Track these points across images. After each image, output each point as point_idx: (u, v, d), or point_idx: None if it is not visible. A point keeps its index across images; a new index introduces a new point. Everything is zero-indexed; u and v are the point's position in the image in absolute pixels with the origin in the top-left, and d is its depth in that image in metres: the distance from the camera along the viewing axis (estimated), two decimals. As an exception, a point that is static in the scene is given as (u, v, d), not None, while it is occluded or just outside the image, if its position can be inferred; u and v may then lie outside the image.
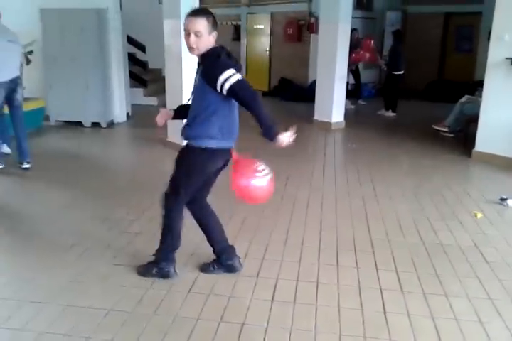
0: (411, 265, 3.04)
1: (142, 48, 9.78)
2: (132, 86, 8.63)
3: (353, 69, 9.41)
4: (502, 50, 5.28)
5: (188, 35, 2.52)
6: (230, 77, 2.42)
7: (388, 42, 9.81)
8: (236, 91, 2.43)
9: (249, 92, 2.46)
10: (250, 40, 12.02)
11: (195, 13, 2.53)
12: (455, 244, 3.35)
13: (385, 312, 2.53)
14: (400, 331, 2.38)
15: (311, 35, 10.33)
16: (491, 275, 2.94)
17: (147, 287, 2.72)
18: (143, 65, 9.83)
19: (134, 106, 8.35)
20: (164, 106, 6.13)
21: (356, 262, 3.08)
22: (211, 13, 2.56)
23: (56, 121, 7.28)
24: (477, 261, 3.12)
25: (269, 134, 2.52)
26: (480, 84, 6.17)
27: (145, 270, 2.85)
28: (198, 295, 2.66)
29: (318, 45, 7.74)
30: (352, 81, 9.47)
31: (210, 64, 2.51)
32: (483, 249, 3.29)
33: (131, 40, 8.94)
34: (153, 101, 9.34)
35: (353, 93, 9.41)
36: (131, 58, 8.89)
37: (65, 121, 7.30)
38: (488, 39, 5.54)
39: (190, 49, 2.56)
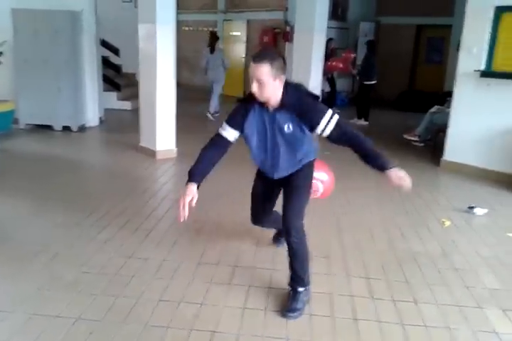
0: (381, 272, 3.08)
1: (116, 52, 9.70)
2: (105, 90, 8.54)
3: (328, 78, 9.54)
4: (470, 63, 5.42)
5: (252, 81, 2.35)
6: (329, 121, 2.42)
7: (361, 52, 9.99)
8: (340, 136, 2.47)
9: (350, 132, 2.49)
10: (226, 47, 12.03)
11: (257, 59, 2.31)
12: (424, 252, 3.41)
13: (355, 319, 2.55)
14: (370, 338, 2.40)
15: (286, 43, 10.44)
16: (459, 282, 2.99)
17: (117, 295, 2.67)
18: (116, 68, 9.74)
19: (107, 110, 8.26)
20: (138, 110, 6.08)
21: (328, 269, 3.10)
22: (277, 57, 2.34)
23: (26, 124, 7.13)
24: (446, 268, 3.17)
25: (388, 164, 2.59)
26: (449, 94, 6.32)
27: (300, 305, 2.57)
28: (168, 303, 2.62)
29: (293, 53, 7.83)
30: (327, 89, 9.60)
31: (304, 110, 2.41)
32: (452, 256, 3.36)
33: (104, 43, 8.86)
34: (126, 105, 9.27)
35: (327, 101, 9.52)
36: (105, 61, 8.78)
37: (35, 125, 7.15)
38: (458, 51, 5.69)
39: (255, 95, 2.41)
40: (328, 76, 9.51)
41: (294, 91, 2.42)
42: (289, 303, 2.58)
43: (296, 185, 2.63)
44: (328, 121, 2.40)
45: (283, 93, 2.39)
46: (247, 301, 2.68)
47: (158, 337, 2.32)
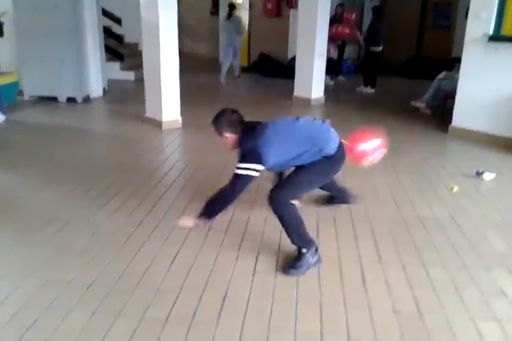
0: (389, 237, 3.10)
1: (118, 21, 9.52)
2: (108, 60, 8.44)
3: (338, 45, 9.37)
4: (479, 27, 5.30)
5: None
6: (241, 168, 2.65)
7: (367, 18, 9.76)
8: (231, 180, 2.68)
9: (225, 186, 2.71)
10: (229, 15, 11.80)
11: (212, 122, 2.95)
12: (432, 216, 3.42)
13: (364, 282, 2.58)
14: (379, 300, 2.44)
15: (291, 10, 10.21)
16: (467, 246, 3.01)
17: (128, 261, 2.72)
18: (119, 38, 9.58)
19: (110, 80, 8.20)
20: (141, 80, 6.03)
21: (336, 234, 3.12)
22: (219, 120, 2.96)
23: (30, 96, 7.10)
24: (454, 233, 3.19)
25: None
26: (457, 60, 6.21)
27: (302, 264, 2.67)
28: (179, 269, 2.66)
29: (298, 20, 7.64)
30: (336, 56, 9.43)
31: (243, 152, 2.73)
32: (460, 220, 3.37)
33: (106, 13, 8.69)
34: (130, 75, 9.18)
35: (333, 69, 9.38)
36: (107, 31, 8.65)
37: (40, 96, 7.12)
38: (466, 16, 5.56)
39: None
40: (339, 43, 9.33)
41: (243, 141, 2.79)
42: (292, 261, 2.67)
43: (297, 175, 2.83)
44: (239, 168, 2.67)
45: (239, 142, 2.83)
46: (256, 266, 2.71)
47: (170, 301, 2.37)
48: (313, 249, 2.72)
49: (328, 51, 9.24)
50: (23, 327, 2.13)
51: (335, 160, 2.83)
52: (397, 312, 2.34)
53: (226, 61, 9.58)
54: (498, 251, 2.97)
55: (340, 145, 2.87)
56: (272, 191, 2.74)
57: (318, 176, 2.86)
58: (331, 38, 9.10)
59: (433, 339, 2.15)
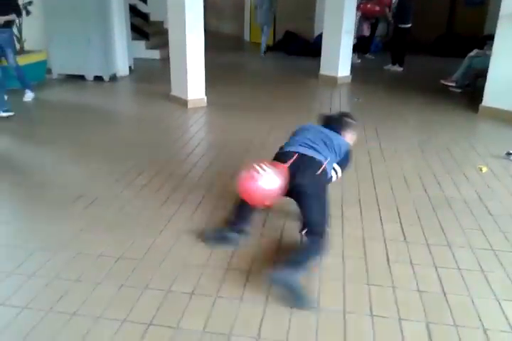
0: (415, 217, 3.08)
1: (143, -1, 9.50)
2: (134, 38, 8.44)
3: (372, 23, 9.21)
4: (515, 2, 5.11)
5: None
6: None
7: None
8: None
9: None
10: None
11: None
12: (460, 198, 3.38)
13: (388, 261, 2.58)
14: (403, 279, 2.44)
15: (318, -14, 10.00)
16: (495, 227, 2.97)
17: (156, 236, 2.77)
18: (144, 16, 9.55)
19: (136, 59, 8.21)
20: (167, 58, 6.02)
21: (361, 215, 3.11)
22: None
23: (58, 74, 7.19)
24: (481, 214, 3.15)
25: None
26: (489, 38, 6.01)
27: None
28: (205, 245, 2.70)
29: (326, -4, 7.49)
30: (367, 33, 9.26)
31: None
32: (488, 202, 3.32)
33: (132, -9, 8.67)
34: (155, 54, 9.17)
35: (360, 47, 9.22)
36: (132, 10, 8.63)
37: (68, 75, 7.20)
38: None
39: None
40: (372, 21, 9.16)
41: None
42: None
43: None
44: None
45: None
46: (281, 241, 2.73)
47: (196, 275, 2.41)
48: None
49: (362, 29, 9.06)
50: (54, 298, 2.21)
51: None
52: (421, 292, 2.33)
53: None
54: (526, 233, 2.92)
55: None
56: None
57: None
58: (365, 16, 8.93)
59: (457, 318, 2.15)
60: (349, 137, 2.92)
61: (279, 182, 2.43)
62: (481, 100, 5.60)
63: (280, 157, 2.68)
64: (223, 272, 2.45)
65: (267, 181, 2.41)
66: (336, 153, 2.73)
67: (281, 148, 2.82)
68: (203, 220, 2.98)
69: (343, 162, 2.85)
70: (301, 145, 2.70)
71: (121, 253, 2.58)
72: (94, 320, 2.07)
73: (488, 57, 5.61)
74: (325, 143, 2.71)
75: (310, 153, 2.64)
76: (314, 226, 2.50)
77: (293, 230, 2.81)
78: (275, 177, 2.43)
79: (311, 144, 2.69)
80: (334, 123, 2.94)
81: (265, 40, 10.08)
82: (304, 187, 2.53)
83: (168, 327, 2.04)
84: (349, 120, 2.97)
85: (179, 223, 2.94)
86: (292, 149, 2.69)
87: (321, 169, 2.59)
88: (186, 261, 2.53)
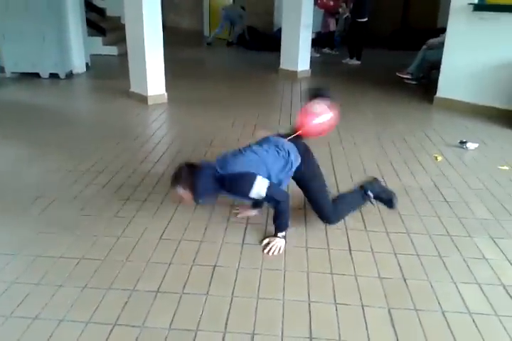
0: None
1: (99, -6, 9.31)
2: (90, 34, 8.27)
3: (337, 19, 9.33)
4: (464, -4, 5.28)
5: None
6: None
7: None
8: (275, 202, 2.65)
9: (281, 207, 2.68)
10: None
11: (171, 183, 2.61)
12: (416, 186, 3.48)
13: (350, 250, 2.64)
14: (365, 267, 2.50)
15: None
16: (451, 214, 3.08)
17: (117, 236, 2.74)
18: (101, 11, 9.38)
19: (93, 56, 8.04)
20: (125, 54, 5.93)
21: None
22: (184, 182, 2.55)
23: (12, 72, 6.96)
24: (437, 201, 3.25)
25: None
26: (442, 31, 6.18)
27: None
28: (169, 241, 2.70)
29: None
30: (334, 28, 9.37)
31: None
32: (443, 189, 3.43)
33: (86, -14, 8.46)
34: (113, 50, 9.02)
35: (321, 42, 9.36)
36: (88, 5, 8.45)
37: (22, 73, 6.98)
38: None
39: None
40: (337, 17, 9.28)
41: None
42: None
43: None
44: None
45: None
46: (245, 237, 2.76)
47: (161, 272, 2.41)
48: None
49: (328, 25, 9.12)
50: (15, 302, 2.16)
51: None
52: (382, 279, 2.40)
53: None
54: (479, 218, 3.04)
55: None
56: (321, 218, 2.80)
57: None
58: (329, 12, 9.02)
59: (417, 303, 2.22)
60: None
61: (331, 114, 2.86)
62: (436, 91, 5.77)
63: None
64: (188, 268, 2.45)
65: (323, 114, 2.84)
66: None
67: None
68: (167, 217, 2.97)
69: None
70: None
71: (82, 254, 2.54)
72: (57, 323, 2.03)
73: (441, 50, 5.77)
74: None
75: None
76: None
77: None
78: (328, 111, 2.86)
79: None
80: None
81: (219, 32, 10.41)
82: None
83: (134, 326, 2.02)
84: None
85: (142, 221, 2.92)
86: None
87: None
88: (150, 259, 2.52)
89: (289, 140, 2.75)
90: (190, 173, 2.53)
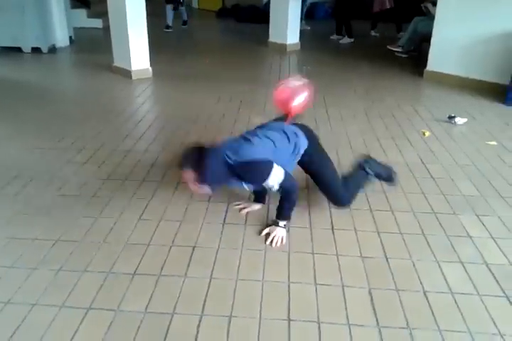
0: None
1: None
2: (74, 7, 8.02)
3: None
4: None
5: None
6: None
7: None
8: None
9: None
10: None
11: (180, 165, 2.33)
12: (403, 162, 3.42)
13: (332, 229, 2.60)
14: (347, 246, 2.46)
15: None
16: (436, 190, 3.03)
17: (95, 216, 2.68)
18: (84, -17, 9.05)
19: (76, 29, 7.82)
20: (108, 28, 5.74)
21: (306, 183, 3.09)
22: (195, 166, 2.25)
23: (-8, 47, 6.76)
24: (423, 177, 3.20)
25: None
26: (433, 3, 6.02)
27: None
28: (148, 222, 2.64)
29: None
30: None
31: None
32: (430, 165, 3.38)
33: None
34: (97, 23, 8.77)
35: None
36: (70, -25, 8.14)
37: (3, 47, 6.77)
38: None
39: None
40: None
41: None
42: None
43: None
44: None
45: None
46: (226, 217, 2.70)
47: (139, 253, 2.35)
48: None
49: (383, 2, 8.22)
50: (-13, 285, 2.11)
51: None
52: (364, 258, 2.36)
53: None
54: (465, 195, 2.99)
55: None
56: (334, 202, 2.72)
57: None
58: None
59: (398, 282, 2.19)
60: None
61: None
62: (426, 65, 5.65)
63: None
64: (167, 249, 2.40)
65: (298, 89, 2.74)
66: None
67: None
68: (147, 197, 2.90)
69: None
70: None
71: (58, 235, 2.48)
72: (31, 308, 1.98)
73: (433, 22, 5.62)
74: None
75: None
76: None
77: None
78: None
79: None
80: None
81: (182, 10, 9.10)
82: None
83: (109, 309, 1.98)
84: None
85: (121, 201, 2.85)
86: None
87: None
88: (128, 241, 2.46)
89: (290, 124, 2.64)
90: (201, 158, 2.26)
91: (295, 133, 2.53)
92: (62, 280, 2.15)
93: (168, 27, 8.81)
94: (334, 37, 8.30)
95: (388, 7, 7.86)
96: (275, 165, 2.34)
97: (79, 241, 2.45)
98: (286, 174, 2.39)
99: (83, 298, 2.04)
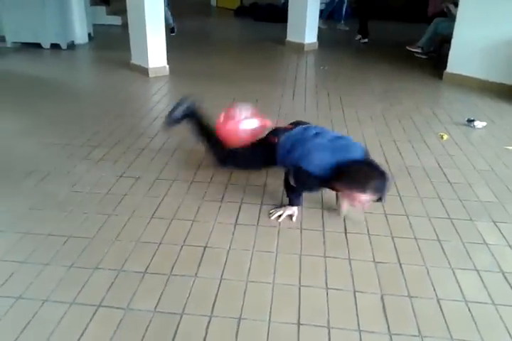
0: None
1: (102, -39, 9.01)
2: (93, 4, 8.07)
3: None
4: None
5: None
6: None
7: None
8: None
9: None
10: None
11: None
12: (420, 166, 3.37)
13: (346, 233, 2.57)
14: (360, 250, 2.42)
15: None
16: (453, 196, 2.98)
17: (108, 213, 2.68)
18: (104, -20, 9.10)
19: (96, 26, 7.87)
20: (127, 25, 5.76)
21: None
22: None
23: (13, 42, 6.82)
24: (440, 182, 3.15)
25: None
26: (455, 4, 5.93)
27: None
28: (160, 220, 2.63)
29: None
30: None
31: None
32: (447, 170, 3.32)
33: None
34: (116, 20, 8.80)
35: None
36: (91, -28, 8.20)
37: (23, 43, 6.84)
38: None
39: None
40: None
41: None
42: None
43: None
44: None
45: None
46: (238, 217, 2.69)
47: (151, 252, 2.35)
48: None
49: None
50: (-1, 281, 2.12)
51: None
52: (377, 263, 2.33)
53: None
54: (483, 201, 2.93)
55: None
56: None
57: None
58: None
59: (411, 289, 2.15)
60: None
61: (256, 124, 2.68)
62: (446, 66, 5.57)
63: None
64: (178, 249, 2.39)
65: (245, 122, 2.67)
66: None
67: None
68: (161, 194, 2.90)
69: None
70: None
71: (71, 232, 2.49)
72: (41, 303, 1.99)
73: (454, 23, 5.54)
74: None
75: None
76: None
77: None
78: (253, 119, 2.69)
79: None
80: None
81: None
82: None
83: (118, 308, 1.98)
84: None
85: (134, 199, 2.85)
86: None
87: None
88: (140, 239, 2.46)
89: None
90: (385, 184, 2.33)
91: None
92: (73, 277, 2.15)
93: (172, 30, 7.99)
94: (358, 37, 8.18)
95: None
96: None
97: (91, 238, 2.45)
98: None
99: (93, 296, 2.04)
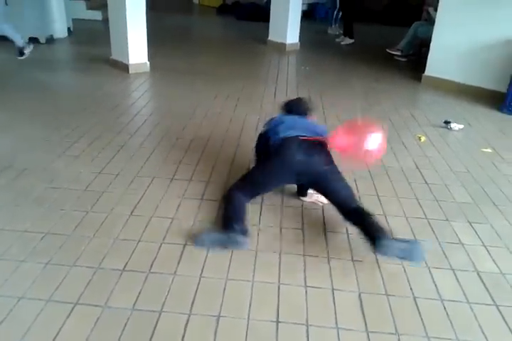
0: (353, 186, 3.07)
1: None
2: (72, -2, 7.95)
3: None
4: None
5: None
6: None
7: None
8: None
9: None
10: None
11: None
12: (397, 167, 3.41)
13: (325, 232, 2.59)
14: (339, 249, 2.45)
15: None
16: (429, 196, 3.03)
17: (86, 210, 2.65)
18: (84, -26, 8.97)
19: (75, 20, 7.76)
20: (108, 20, 5.70)
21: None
22: None
23: (-12, 35, 6.67)
24: (417, 183, 3.20)
25: None
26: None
27: None
28: (139, 218, 2.61)
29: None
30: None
31: None
32: (424, 171, 3.37)
33: None
34: (97, 15, 8.69)
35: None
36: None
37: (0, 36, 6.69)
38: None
39: None
40: None
41: None
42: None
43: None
44: None
45: None
46: (218, 216, 2.68)
47: (129, 249, 2.33)
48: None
49: None
50: (-26, 277, 2.08)
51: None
52: (355, 261, 2.36)
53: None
54: (459, 202, 2.99)
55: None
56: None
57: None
58: None
59: (388, 288, 2.18)
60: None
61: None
62: (424, 69, 5.65)
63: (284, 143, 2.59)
64: (157, 246, 2.38)
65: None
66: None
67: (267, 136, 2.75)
68: (139, 193, 2.88)
69: None
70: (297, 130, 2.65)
71: (48, 228, 2.45)
72: (17, 301, 1.95)
73: (433, 26, 5.63)
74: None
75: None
76: (352, 202, 2.55)
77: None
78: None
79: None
80: (300, 109, 2.93)
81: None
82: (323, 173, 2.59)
83: (96, 305, 1.96)
84: (310, 105, 2.97)
85: (113, 196, 2.82)
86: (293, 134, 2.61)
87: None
88: (119, 236, 2.44)
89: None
90: None
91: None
92: (50, 274, 2.12)
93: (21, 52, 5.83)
94: (341, 39, 8.22)
95: None
96: None
97: (69, 234, 2.42)
98: None
99: (71, 293, 2.01)
